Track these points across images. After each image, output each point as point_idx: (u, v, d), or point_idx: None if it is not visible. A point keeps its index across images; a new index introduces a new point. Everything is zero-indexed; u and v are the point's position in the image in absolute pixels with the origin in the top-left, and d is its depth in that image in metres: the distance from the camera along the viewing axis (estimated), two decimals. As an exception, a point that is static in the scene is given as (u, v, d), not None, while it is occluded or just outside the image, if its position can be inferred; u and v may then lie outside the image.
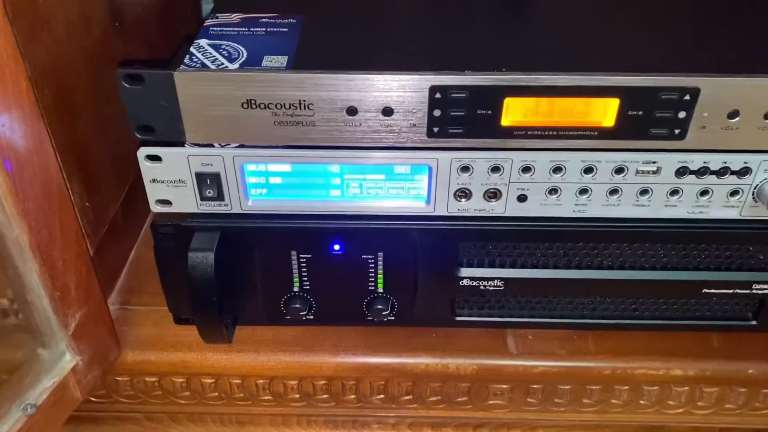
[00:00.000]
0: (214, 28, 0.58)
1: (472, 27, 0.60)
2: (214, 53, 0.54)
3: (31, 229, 0.51)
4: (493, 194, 0.58)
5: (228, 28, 0.58)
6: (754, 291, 0.63)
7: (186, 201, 0.58)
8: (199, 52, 0.54)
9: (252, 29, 0.58)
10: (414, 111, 0.52)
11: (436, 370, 0.66)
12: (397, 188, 0.58)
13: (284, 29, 0.58)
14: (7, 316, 0.59)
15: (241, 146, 0.56)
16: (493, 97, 0.51)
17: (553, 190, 0.57)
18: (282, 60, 0.53)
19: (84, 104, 0.66)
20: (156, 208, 0.59)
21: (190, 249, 0.57)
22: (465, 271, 0.62)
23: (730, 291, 0.63)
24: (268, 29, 0.58)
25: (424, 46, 0.57)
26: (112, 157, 0.73)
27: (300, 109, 0.52)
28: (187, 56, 0.54)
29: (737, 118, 0.52)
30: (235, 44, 0.55)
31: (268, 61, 0.53)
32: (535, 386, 0.69)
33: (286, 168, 0.57)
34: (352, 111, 0.52)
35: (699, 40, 0.59)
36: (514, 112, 0.52)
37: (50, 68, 0.59)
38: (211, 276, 0.57)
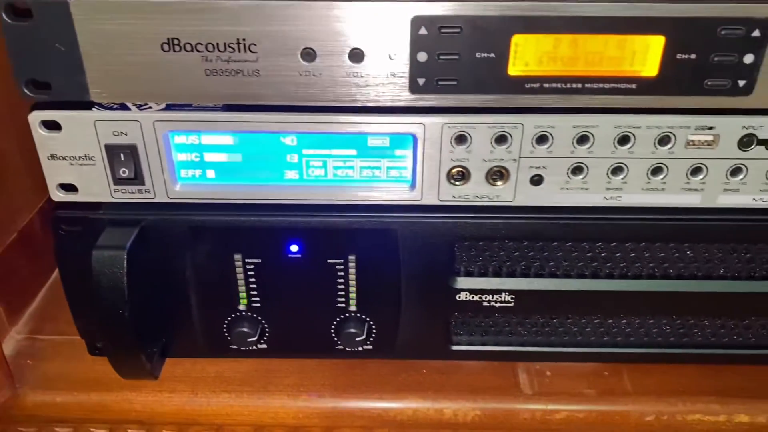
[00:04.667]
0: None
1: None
2: (131, -15, 0.41)
3: None
4: (498, 174, 0.44)
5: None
6: (842, 308, 0.48)
7: (96, 186, 0.44)
8: (111, -17, 0.42)
9: (186, -35, 0.46)
10: (392, 54, 0.39)
11: (428, 416, 0.51)
12: (372, 168, 0.45)
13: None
14: None
15: (167, 109, 0.43)
16: (498, 33, 0.38)
17: (577, 169, 0.44)
18: (218, -10, 0.40)
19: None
20: (58, 196, 0.45)
21: (95, 247, 0.43)
22: (463, 282, 0.48)
23: (811, 307, 0.48)
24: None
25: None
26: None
27: (239, 51, 0.39)
28: (94, -13, 0.41)
29: (824, 64, 0.39)
30: (160, -23, 0.43)
31: (200, -9, 0.40)
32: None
33: (227, 140, 0.44)
34: (308, 54, 0.39)
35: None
36: (526, 55, 0.39)
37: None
38: (122, 284, 0.43)
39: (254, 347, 0.50)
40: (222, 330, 0.50)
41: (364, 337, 0.49)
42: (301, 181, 0.45)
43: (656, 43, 0.39)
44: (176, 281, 0.48)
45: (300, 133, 0.43)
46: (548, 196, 0.45)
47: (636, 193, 0.44)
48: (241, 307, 0.49)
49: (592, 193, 0.44)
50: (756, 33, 0.38)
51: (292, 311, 0.49)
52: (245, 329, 0.49)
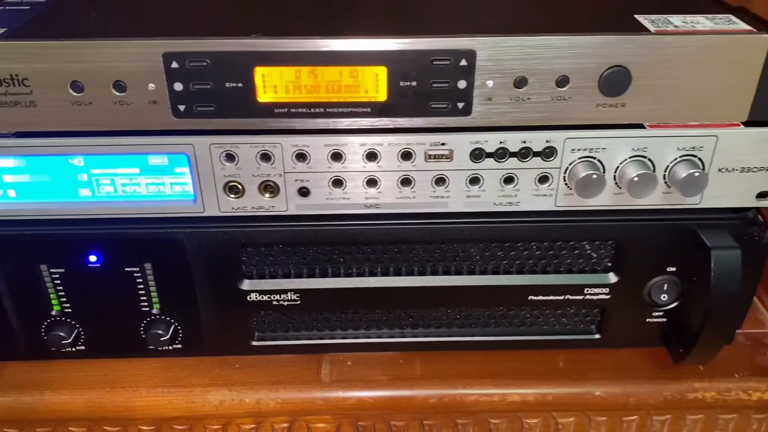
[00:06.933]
0: (-57, 7, 0.51)
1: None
2: None
3: None
4: (269, 188, 0.50)
5: (-42, 6, 0.51)
6: (588, 297, 0.55)
7: None
8: None
9: (-9, 6, 0.51)
10: (150, 85, 0.45)
11: (232, 406, 0.56)
12: (157, 184, 0.50)
13: (26, 7, 0.51)
14: None
15: (-37, 137, 0.47)
16: (241, 66, 0.44)
17: (337, 182, 0.49)
18: (-4, 32, 0.45)
19: None
20: None
21: None
22: (249, 284, 0.53)
23: (560, 297, 0.55)
24: (9, 7, 0.51)
25: (164, 13, 0.50)
26: None
27: (14, 85, 0.44)
28: None
29: (526, 87, 0.45)
30: (-46, 19, 0.48)
31: (-19, 33, 0.45)
32: (361, 423, 0.59)
33: (23, 163, 0.49)
34: (77, 87, 0.44)
35: (479, 4, 0.52)
36: (273, 85, 0.45)
37: None
38: (-76, 293, 0.47)
39: (72, 349, 0.55)
40: (40, 334, 0.55)
41: (168, 337, 0.54)
42: (94, 198, 0.50)
43: (381, 73, 0.45)
44: (-9, 292, 0.52)
45: (85, 154, 0.48)
46: (316, 205, 0.50)
47: (392, 202, 0.50)
48: (54, 313, 0.54)
49: (354, 202, 0.50)
50: (463, 62, 0.44)
51: (103, 315, 0.54)
52: (59, 333, 0.54)
